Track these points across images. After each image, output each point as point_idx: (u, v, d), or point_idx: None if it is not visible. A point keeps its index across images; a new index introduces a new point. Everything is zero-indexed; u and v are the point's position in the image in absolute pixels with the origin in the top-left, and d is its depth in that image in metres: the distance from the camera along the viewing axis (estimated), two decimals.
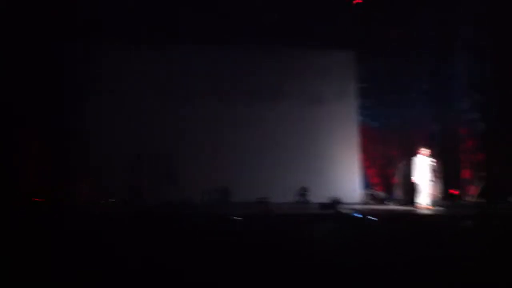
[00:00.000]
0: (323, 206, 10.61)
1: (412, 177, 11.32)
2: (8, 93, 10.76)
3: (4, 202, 8.94)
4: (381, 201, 12.63)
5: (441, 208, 10.82)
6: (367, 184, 13.19)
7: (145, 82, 12.20)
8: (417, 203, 11.09)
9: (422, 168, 11.13)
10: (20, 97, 11.01)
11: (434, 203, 11.43)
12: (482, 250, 4.30)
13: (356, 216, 7.01)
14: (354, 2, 11.77)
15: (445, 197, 11.88)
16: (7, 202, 8.91)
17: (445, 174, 12.22)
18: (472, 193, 11.14)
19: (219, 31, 11.97)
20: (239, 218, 6.84)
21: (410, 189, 11.75)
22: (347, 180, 12.96)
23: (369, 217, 7.22)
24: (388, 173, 13.29)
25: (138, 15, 11.48)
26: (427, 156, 11.23)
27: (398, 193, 12.69)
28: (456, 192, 11.46)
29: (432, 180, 11.46)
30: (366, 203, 12.54)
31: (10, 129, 10.84)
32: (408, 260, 4.09)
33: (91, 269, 3.46)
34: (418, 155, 11.26)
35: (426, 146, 11.69)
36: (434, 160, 11.53)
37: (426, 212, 10.39)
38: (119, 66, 12.08)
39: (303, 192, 12.40)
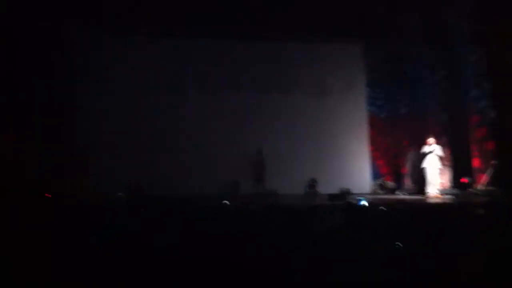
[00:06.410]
0: (332, 197, 10.59)
1: (421, 167, 11.27)
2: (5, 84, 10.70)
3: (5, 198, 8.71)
4: (391, 191, 12.59)
5: (451, 197, 10.77)
6: (377, 175, 13.16)
7: (150, 75, 12.37)
8: (427, 192, 11.05)
9: (432, 158, 11.07)
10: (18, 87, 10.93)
11: (444, 192, 11.38)
12: (493, 239, 4.25)
13: (364, 206, 7.00)
14: None
15: (455, 186, 11.81)
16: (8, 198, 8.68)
17: (455, 163, 12.14)
18: (483, 181, 11.04)
19: (226, 24, 11.98)
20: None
21: (420, 179, 11.73)
22: (356, 171, 12.96)
23: (380, 207, 7.23)
24: (398, 163, 13.25)
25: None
26: (436, 145, 11.17)
27: (408, 182, 12.67)
28: (467, 180, 11.37)
29: (441, 169, 11.42)
30: (376, 194, 12.51)
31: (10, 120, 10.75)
32: (417, 249, 4.07)
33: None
34: (427, 145, 11.21)
35: (436, 135, 11.64)
36: (443, 149, 11.48)
37: (436, 201, 10.35)
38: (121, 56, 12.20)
39: (312, 183, 12.39)
